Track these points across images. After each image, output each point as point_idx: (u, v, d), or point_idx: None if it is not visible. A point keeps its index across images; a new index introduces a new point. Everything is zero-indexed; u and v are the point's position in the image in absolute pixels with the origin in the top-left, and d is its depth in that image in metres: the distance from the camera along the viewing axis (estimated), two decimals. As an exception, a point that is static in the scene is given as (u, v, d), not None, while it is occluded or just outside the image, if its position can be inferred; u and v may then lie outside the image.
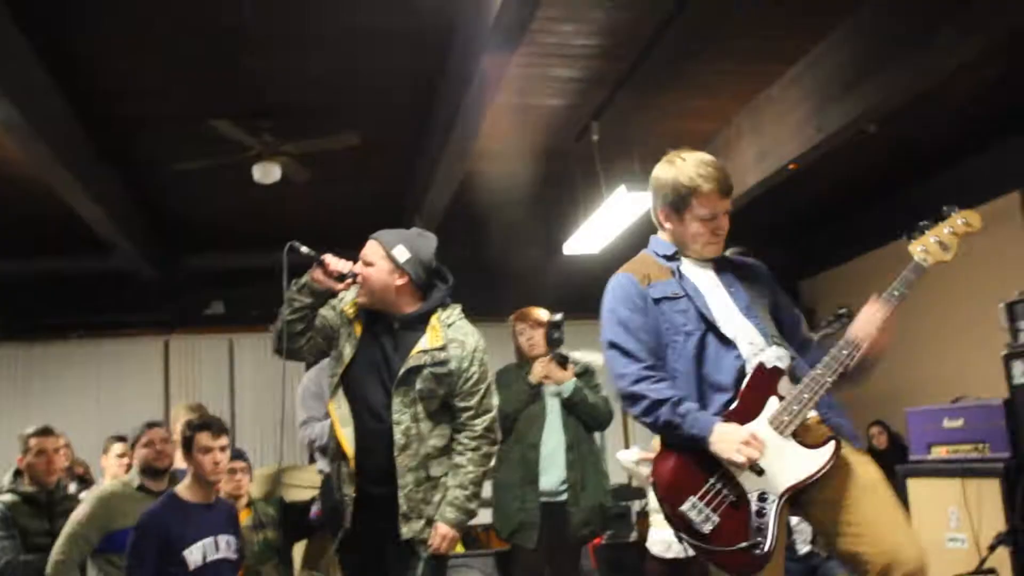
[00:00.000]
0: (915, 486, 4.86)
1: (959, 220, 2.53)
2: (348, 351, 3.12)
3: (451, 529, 3.04)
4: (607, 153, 6.10)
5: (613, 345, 2.53)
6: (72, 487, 4.63)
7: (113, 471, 4.60)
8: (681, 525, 2.35)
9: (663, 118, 6.07)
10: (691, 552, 3.08)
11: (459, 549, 5.66)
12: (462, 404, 3.10)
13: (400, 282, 3.08)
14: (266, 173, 5.85)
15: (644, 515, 5.49)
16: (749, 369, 2.41)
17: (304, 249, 3.06)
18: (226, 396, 8.43)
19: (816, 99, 5.28)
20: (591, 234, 6.50)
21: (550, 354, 4.26)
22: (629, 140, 6.01)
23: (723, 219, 2.56)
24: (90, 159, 5.72)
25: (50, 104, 4.97)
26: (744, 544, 2.29)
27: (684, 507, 2.33)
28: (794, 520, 4.08)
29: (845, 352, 2.43)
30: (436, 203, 6.46)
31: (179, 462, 4.37)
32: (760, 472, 2.32)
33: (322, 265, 3.06)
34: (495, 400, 3.23)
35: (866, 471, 2.42)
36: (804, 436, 2.38)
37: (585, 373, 4.34)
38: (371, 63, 5.08)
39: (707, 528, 2.32)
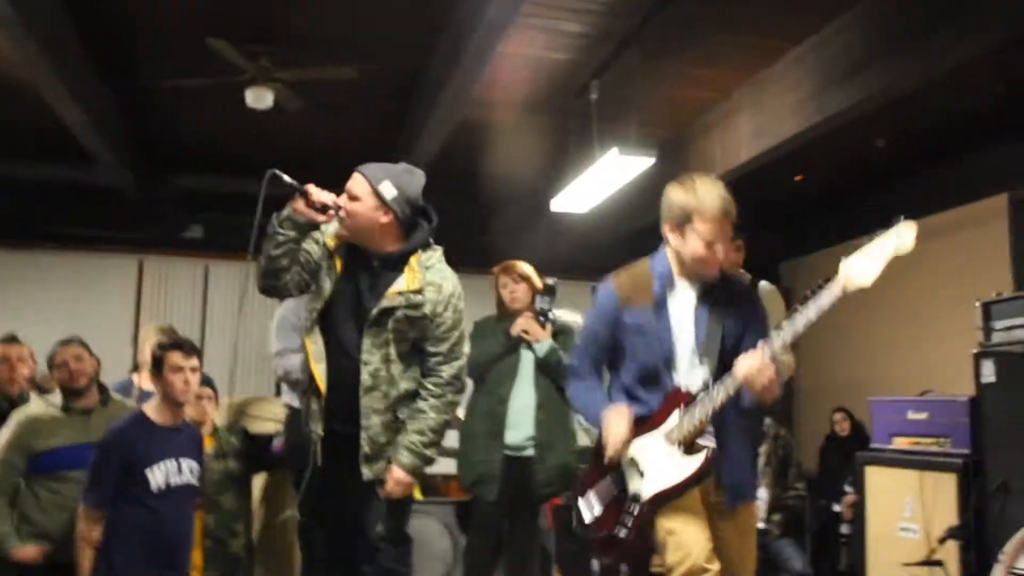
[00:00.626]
0: (873, 474, 4.94)
1: (893, 238, 2.55)
2: (327, 286, 3.07)
3: (405, 474, 3.01)
4: (604, 113, 6.04)
5: (579, 346, 3.05)
6: (34, 397, 4.58)
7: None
8: (575, 515, 2.93)
9: (664, 83, 6.02)
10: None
11: (418, 496, 5.70)
12: (432, 349, 3.06)
13: (385, 220, 3.02)
14: (259, 98, 5.76)
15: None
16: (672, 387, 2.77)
17: (286, 178, 2.98)
18: (197, 322, 8.37)
19: (819, 80, 5.25)
20: (580, 193, 6.46)
21: (533, 309, 4.25)
22: (628, 102, 5.96)
23: (720, 245, 2.73)
24: (80, 64, 5.59)
25: (43, 2, 4.83)
26: (606, 532, 2.80)
27: (580, 500, 2.91)
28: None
29: (727, 382, 2.64)
30: (428, 147, 6.39)
31: (146, 383, 4.36)
32: (643, 474, 2.74)
33: (304, 196, 2.98)
34: (466, 348, 3.19)
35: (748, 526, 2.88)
36: (690, 448, 2.70)
37: (563, 332, 4.32)
38: (376, -1, 4.99)
39: (588, 518, 2.89)
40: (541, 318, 4.23)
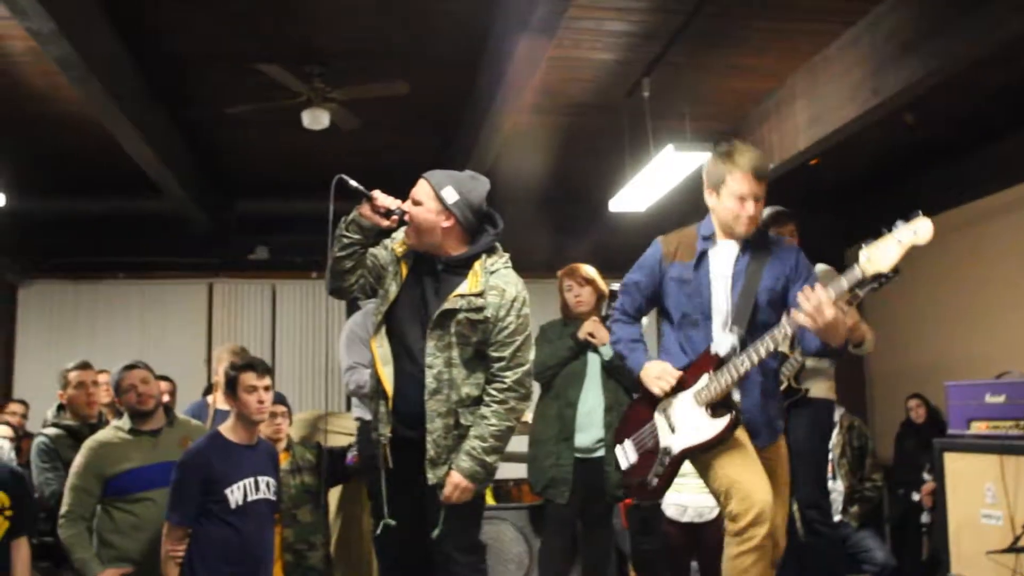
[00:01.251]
0: (952, 460, 4.81)
1: (910, 230, 2.63)
2: (393, 290, 3.11)
3: (464, 479, 2.99)
4: (657, 110, 6.02)
5: (621, 289, 3.32)
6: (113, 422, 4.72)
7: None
8: (614, 458, 3.29)
9: (715, 76, 5.98)
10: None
11: (490, 501, 5.73)
12: (495, 354, 3.05)
13: (447, 224, 3.05)
14: (315, 119, 5.86)
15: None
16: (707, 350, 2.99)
17: (353, 183, 3.08)
18: (267, 341, 8.54)
19: (874, 61, 5.15)
20: (637, 192, 6.44)
21: (598, 313, 4.25)
22: (680, 98, 5.93)
23: (756, 203, 2.97)
24: (141, 99, 5.76)
25: (103, 42, 4.99)
26: (638, 480, 3.12)
27: (618, 447, 3.24)
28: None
29: (768, 338, 2.84)
30: (483, 155, 6.43)
31: (221, 403, 4.46)
32: (673, 429, 3.02)
33: (370, 200, 3.06)
34: (531, 355, 3.18)
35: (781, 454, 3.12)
36: (716, 409, 2.94)
37: None
38: (423, 11, 5.04)
39: (625, 465, 3.21)
40: (608, 324, 4.23)
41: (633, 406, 3.30)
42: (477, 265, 3.08)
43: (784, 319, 2.86)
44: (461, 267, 3.08)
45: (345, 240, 3.09)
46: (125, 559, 3.68)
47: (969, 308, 7.07)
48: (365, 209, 3.08)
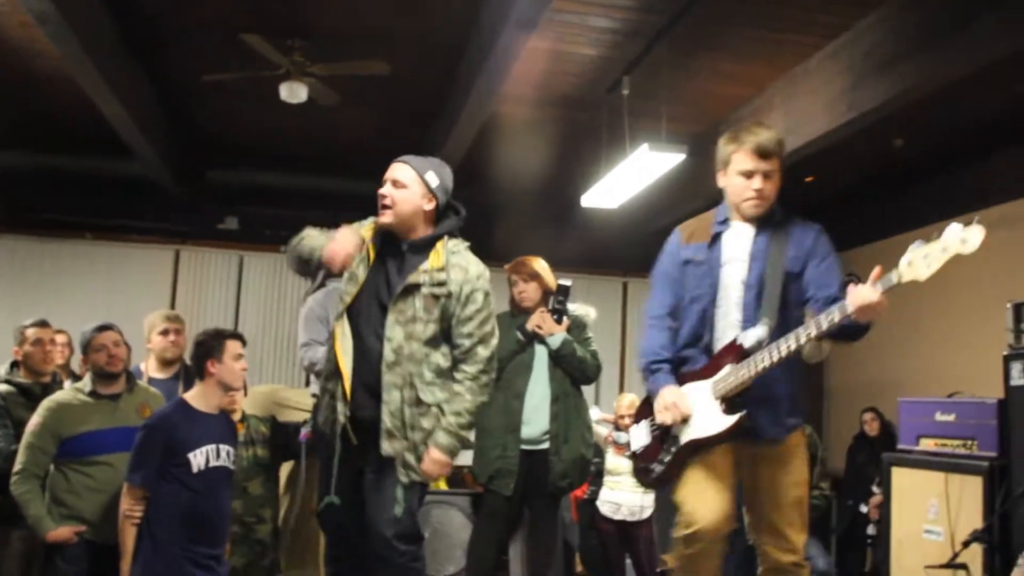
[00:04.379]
0: (899, 475, 4.91)
1: (959, 238, 2.62)
2: (362, 273, 3.17)
3: (443, 455, 3.07)
4: (635, 109, 6.04)
5: (652, 286, 3.16)
6: (68, 384, 4.68)
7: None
8: (631, 438, 3.22)
9: (695, 79, 6.01)
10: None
11: (442, 486, 5.75)
12: (465, 330, 3.11)
13: (429, 207, 3.18)
14: (293, 93, 5.83)
15: (599, 475, 5.56)
16: (726, 340, 2.92)
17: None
18: (231, 311, 8.48)
19: (851, 76, 5.21)
20: (611, 189, 6.47)
21: (549, 306, 4.27)
22: (659, 98, 5.95)
23: (763, 180, 2.92)
24: (119, 60, 5.69)
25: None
26: (643, 465, 3.12)
27: (633, 427, 3.21)
28: None
29: (792, 336, 2.76)
30: (458, 141, 6.43)
31: (154, 370, 4.44)
32: (686, 420, 2.93)
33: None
34: (497, 332, 3.24)
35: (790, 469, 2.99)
36: (730, 404, 2.88)
37: (577, 326, 4.34)
38: (408, -7, 5.04)
39: (636, 447, 3.18)
40: (555, 317, 4.25)
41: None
42: (439, 245, 3.17)
43: (811, 317, 2.80)
44: (424, 247, 3.16)
45: None
46: (78, 518, 3.67)
47: (929, 327, 7.17)
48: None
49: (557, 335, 4.22)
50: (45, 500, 3.69)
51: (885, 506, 5.01)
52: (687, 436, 2.93)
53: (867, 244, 8.40)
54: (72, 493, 3.70)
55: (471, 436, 3.21)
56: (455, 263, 3.14)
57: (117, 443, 3.65)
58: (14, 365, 4.27)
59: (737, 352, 2.87)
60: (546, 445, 4.18)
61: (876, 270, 2.63)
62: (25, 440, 3.71)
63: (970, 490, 4.40)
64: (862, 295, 2.60)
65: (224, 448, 3.56)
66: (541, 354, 4.27)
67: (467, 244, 3.27)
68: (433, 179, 3.17)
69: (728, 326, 2.93)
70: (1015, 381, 4.34)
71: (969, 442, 4.58)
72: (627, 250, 8.53)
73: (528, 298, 4.31)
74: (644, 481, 3.22)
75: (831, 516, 6.99)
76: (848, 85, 5.24)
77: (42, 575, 3.79)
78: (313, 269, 3.41)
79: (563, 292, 4.29)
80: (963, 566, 4.21)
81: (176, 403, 3.61)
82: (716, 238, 3.00)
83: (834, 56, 5.41)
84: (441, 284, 3.10)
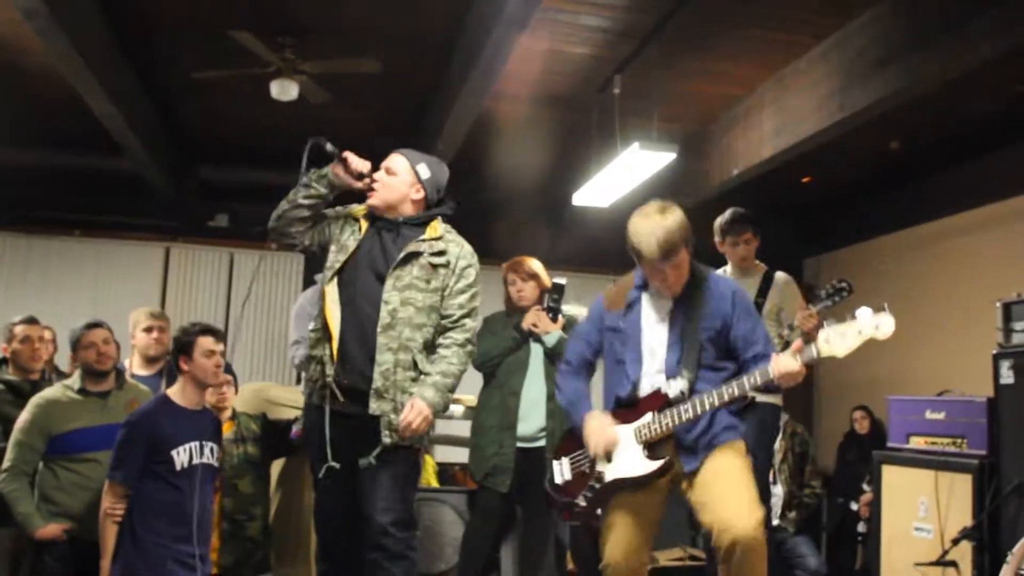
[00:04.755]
0: (889, 473, 4.93)
1: (872, 324, 2.85)
2: (352, 242, 3.28)
3: (426, 407, 3.12)
4: (626, 108, 6.04)
5: (570, 339, 3.48)
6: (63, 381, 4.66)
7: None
8: (550, 472, 3.34)
9: (686, 78, 6.02)
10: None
11: (434, 483, 5.75)
12: (455, 301, 3.26)
13: (417, 196, 3.34)
14: (283, 90, 5.81)
15: None
16: (648, 390, 3.07)
17: (329, 147, 3.24)
18: (222, 309, 8.45)
19: (842, 77, 5.23)
20: (601, 188, 6.47)
21: (542, 304, 4.28)
22: (650, 97, 5.95)
23: (671, 273, 3.02)
24: (108, 56, 5.67)
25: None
26: (567, 499, 3.22)
27: (555, 461, 3.32)
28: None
29: (716, 393, 2.95)
30: (449, 140, 6.42)
31: (138, 367, 4.43)
32: (610, 459, 3.09)
33: (343, 162, 3.25)
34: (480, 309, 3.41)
35: (720, 462, 3.02)
36: (653, 449, 3.04)
37: (571, 325, 4.35)
38: (399, -9, 5.03)
39: (559, 480, 3.28)
40: (550, 315, 4.26)
41: (572, 430, 3.34)
42: (434, 222, 3.35)
43: (736, 380, 2.95)
44: (420, 224, 3.33)
45: (312, 191, 3.26)
46: (66, 516, 3.67)
47: (921, 325, 7.19)
48: (339, 170, 3.27)
49: (553, 333, 4.23)
50: (34, 498, 3.68)
51: (875, 504, 5.03)
52: (612, 475, 3.10)
53: (859, 243, 8.45)
54: (61, 490, 3.70)
55: (450, 400, 3.31)
56: (451, 239, 3.33)
57: (106, 440, 3.61)
58: (3, 362, 4.25)
59: (660, 401, 3.03)
60: (542, 443, 4.19)
61: (797, 343, 2.90)
62: (14, 437, 3.70)
63: (960, 488, 4.42)
64: (785, 364, 2.84)
65: (208, 445, 3.53)
66: (537, 352, 4.28)
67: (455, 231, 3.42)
68: (424, 171, 3.34)
69: (651, 382, 3.08)
70: (1004, 380, 4.35)
71: (959, 440, 4.60)
72: (619, 249, 8.43)
73: (526, 297, 4.33)
74: (567, 515, 3.34)
75: (822, 514, 7.00)
76: (839, 85, 5.25)
77: (31, 573, 3.78)
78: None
79: (558, 290, 4.30)
80: (953, 563, 4.24)
81: (158, 399, 3.57)
82: (632, 305, 3.15)
83: (825, 56, 5.42)
84: (441, 253, 3.26)
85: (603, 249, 8.79)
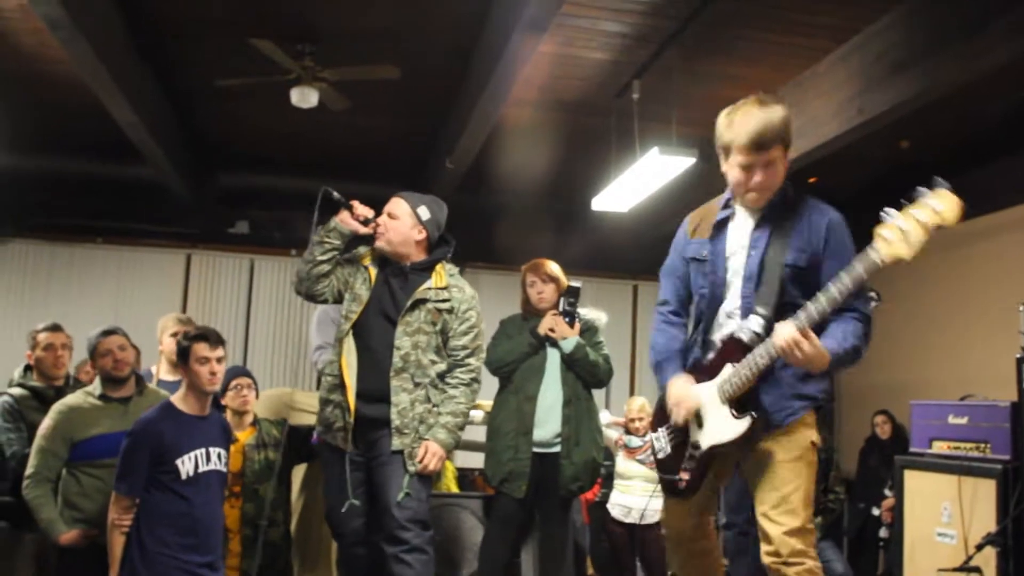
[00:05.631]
0: (911, 478, 4.88)
1: (931, 206, 2.45)
2: (365, 292, 3.53)
3: (440, 448, 3.45)
4: (645, 113, 6.05)
5: (661, 280, 3.07)
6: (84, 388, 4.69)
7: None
8: (651, 447, 3.06)
9: (705, 83, 6.00)
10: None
11: (454, 489, 5.75)
12: (459, 343, 3.56)
13: (419, 237, 3.58)
14: (304, 97, 5.85)
15: (609, 477, 5.57)
16: (726, 331, 2.77)
17: (336, 195, 3.50)
18: (243, 315, 8.51)
19: (862, 81, 5.21)
20: (621, 192, 6.47)
21: (559, 308, 4.27)
22: (669, 102, 5.95)
23: (763, 172, 2.69)
24: (130, 63, 5.72)
25: (95, 3, 4.95)
26: (670, 476, 2.93)
27: (653, 434, 3.04)
28: None
29: (765, 350, 2.62)
30: (469, 145, 6.44)
31: (164, 373, 4.46)
32: (701, 425, 2.81)
33: (350, 209, 3.51)
34: (485, 346, 3.77)
35: (778, 452, 2.73)
36: (740, 405, 2.71)
37: (588, 330, 4.34)
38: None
39: (660, 455, 3.00)
40: (566, 319, 4.25)
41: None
42: (439, 267, 3.62)
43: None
44: (426, 269, 3.60)
45: (327, 244, 3.53)
46: (89, 521, 3.66)
47: (943, 330, 7.15)
48: (345, 217, 3.53)
49: (570, 339, 4.22)
50: (57, 503, 3.70)
51: (898, 509, 4.99)
52: (707, 442, 2.79)
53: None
54: (84, 496, 3.71)
55: (461, 437, 3.62)
56: (454, 284, 3.61)
57: None
58: (27, 369, 4.29)
59: (736, 348, 2.72)
60: (558, 448, 4.17)
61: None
62: (37, 444, 3.72)
63: (983, 493, 4.37)
64: (781, 332, 2.51)
65: (215, 451, 3.46)
66: (553, 357, 4.26)
67: (457, 270, 3.74)
68: (424, 213, 3.59)
69: (728, 318, 2.80)
70: (1028, 384, 4.32)
71: (982, 445, 4.56)
72: (637, 254, 8.53)
73: (546, 299, 4.31)
74: (674, 491, 2.96)
75: (843, 519, 6.97)
76: (858, 89, 5.23)
77: (54, 578, 3.81)
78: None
79: (573, 294, 4.29)
80: (976, 569, 4.20)
81: (162, 406, 3.49)
82: (719, 229, 2.85)
83: (844, 60, 5.40)
84: (445, 300, 3.54)
85: (622, 254, 8.82)
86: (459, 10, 5.15)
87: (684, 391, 2.81)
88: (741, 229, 2.82)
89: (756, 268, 2.73)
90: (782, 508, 2.67)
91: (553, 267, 4.38)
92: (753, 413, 2.69)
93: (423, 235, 3.59)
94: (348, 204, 3.53)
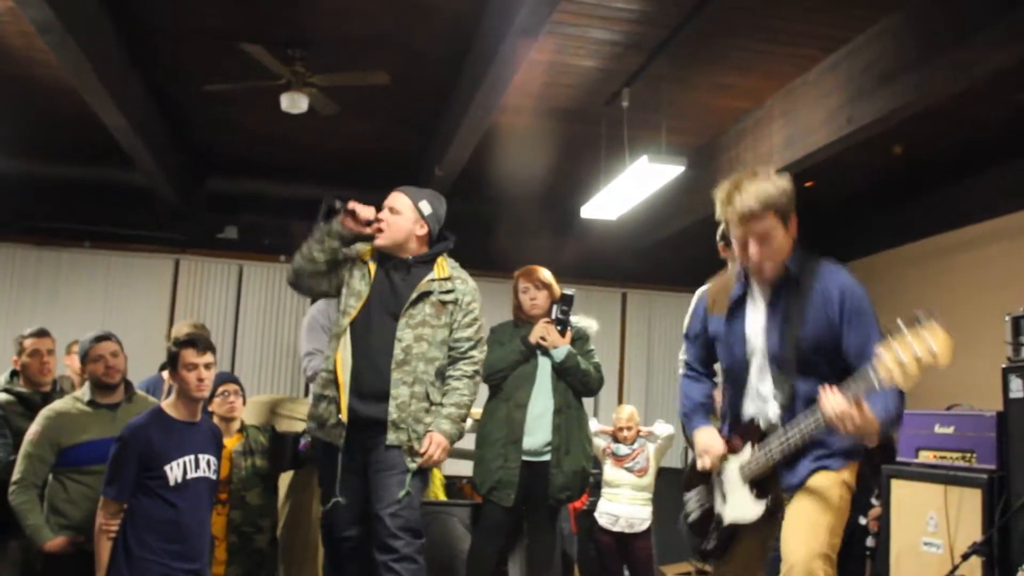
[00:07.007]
0: (898, 487, 4.90)
1: (929, 346, 2.45)
2: (363, 286, 3.48)
3: (444, 439, 3.41)
4: (635, 121, 6.06)
5: (685, 338, 3.16)
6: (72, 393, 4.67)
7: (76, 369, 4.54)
8: (685, 508, 3.07)
9: (695, 91, 6.03)
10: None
11: (442, 497, 5.74)
12: (463, 334, 3.52)
13: (421, 232, 3.55)
14: (293, 103, 5.84)
15: (597, 486, 5.56)
16: (746, 418, 2.82)
17: (338, 204, 3.51)
18: (231, 321, 8.48)
19: (851, 89, 5.23)
20: (610, 200, 6.48)
21: (551, 316, 4.27)
22: (659, 110, 5.98)
23: (755, 244, 2.65)
24: (120, 68, 5.71)
25: (84, 7, 4.94)
26: (697, 541, 2.99)
27: (687, 494, 3.06)
28: None
29: (809, 420, 2.61)
30: (458, 152, 6.44)
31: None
32: (724, 498, 2.88)
33: (352, 213, 3.47)
34: (485, 340, 3.68)
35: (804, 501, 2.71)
36: (760, 486, 2.77)
37: (580, 338, 4.34)
38: (411, 4, 5.04)
39: (692, 517, 3.03)
40: (558, 327, 4.24)
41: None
42: (440, 260, 3.60)
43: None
44: (427, 262, 3.56)
45: (327, 244, 3.48)
46: (75, 528, 3.65)
47: (928, 339, 7.17)
48: (348, 221, 3.48)
49: (561, 348, 4.21)
50: (43, 510, 3.68)
51: (884, 518, 5.00)
52: (728, 518, 2.87)
53: (868, 255, 8.43)
54: (70, 503, 3.69)
55: (464, 429, 3.53)
56: (457, 275, 3.57)
57: None
58: (14, 374, 4.27)
59: (755, 432, 2.76)
60: (547, 457, 4.17)
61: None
62: (23, 449, 3.70)
63: (969, 503, 4.39)
64: (832, 401, 2.47)
65: (204, 457, 3.44)
66: (544, 365, 4.26)
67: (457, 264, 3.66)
68: (426, 207, 3.56)
69: (752, 399, 2.80)
70: (1014, 394, 4.33)
71: (968, 454, 4.57)
72: (626, 261, 8.54)
73: (539, 306, 4.30)
74: (703, 555, 3.05)
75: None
76: (848, 98, 5.26)
77: (40, 584, 3.78)
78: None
79: (567, 302, 4.29)
80: (962, 579, 4.21)
81: (152, 412, 3.47)
82: (735, 310, 2.82)
83: (834, 69, 5.43)
84: (449, 292, 3.51)
85: (611, 261, 8.82)
86: (450, 16, 5.16)
87: (711, 441, 2.90)
88: (756, 309, 2.79)
89: (775, 350, 2.72)
90: (804, 532, 2.66)
91: (546, 274, 4.38)
92: (770, 497, 2.75)
93: (425, 230, 3.56)
94: (350, 209, 3.50)
